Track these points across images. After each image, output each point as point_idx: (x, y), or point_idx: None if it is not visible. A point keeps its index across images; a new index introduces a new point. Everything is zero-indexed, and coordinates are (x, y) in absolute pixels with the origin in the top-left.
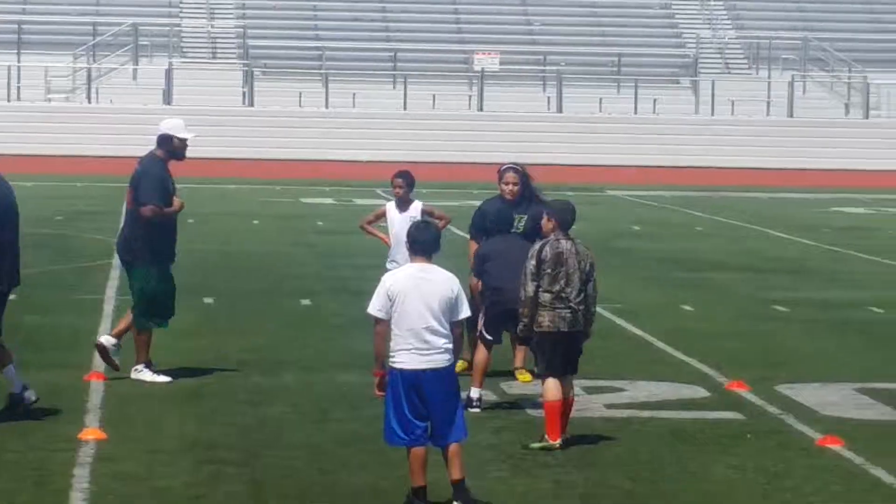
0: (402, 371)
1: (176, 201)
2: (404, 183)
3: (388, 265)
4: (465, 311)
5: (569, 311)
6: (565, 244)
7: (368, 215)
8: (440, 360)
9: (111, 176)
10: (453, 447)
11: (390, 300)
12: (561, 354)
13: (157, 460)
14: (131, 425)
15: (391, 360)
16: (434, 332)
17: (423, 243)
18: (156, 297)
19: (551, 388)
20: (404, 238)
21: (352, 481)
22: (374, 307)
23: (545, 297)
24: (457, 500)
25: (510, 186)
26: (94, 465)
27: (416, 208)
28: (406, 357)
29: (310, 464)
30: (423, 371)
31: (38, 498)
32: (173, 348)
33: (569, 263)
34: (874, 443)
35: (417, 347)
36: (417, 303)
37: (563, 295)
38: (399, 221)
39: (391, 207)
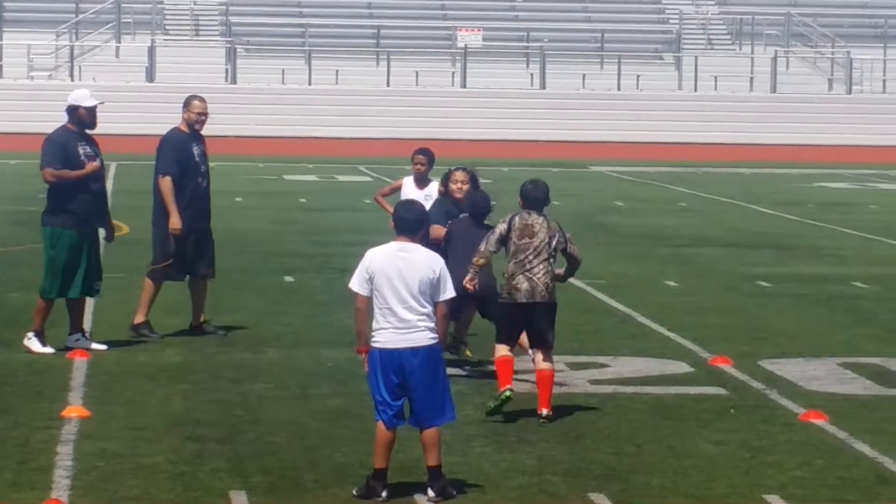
0: (381, 350)
1: (89, 165)
2: (426, 160)
3: None
4: (448, 292)
5: (527, 281)
6: (536, 218)
7: (384, 187)
8: (420, 339)
9: None
10: (430, 432)
11: (369, 276)
12: (518, 326)
13: (140, 437)
14: (115, 403)
15: (372, 338)
16: (412, 311)
17: (407, 222)
18: (63, 265)
19: (500, 349)
20: None
21: (335, 457)
22: (355, 283)
23: (509, 266)
24: (431, 487)
25: (458, 185)
26: (77, 443)
27: (432, 187)
28: (385, 336)
29: (293, 440)
30: (402, 350)
31: (21, 475)
32: (158, 324)
33: (539, 237)
34: (857, 417)
35: (396, 326)
36: (395, 281)
37: (527, 266)
38: (415, 199)
39: (409, 182)
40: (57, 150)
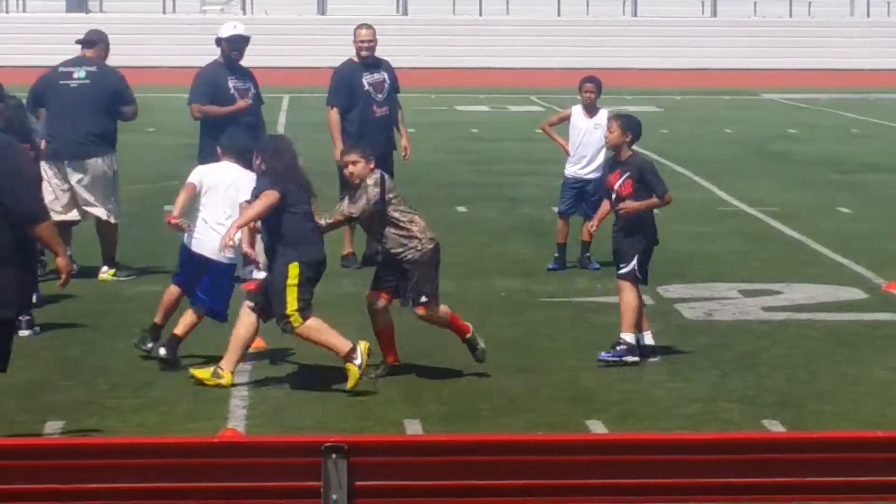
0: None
1: (238, 102)
2: (594, 88)
3: (567, 171)
4: None
5: None
6: None
7: (552, 117)
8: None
9: (269, 87)
10: None
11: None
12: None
13: (316, 367)
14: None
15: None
16: None
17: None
18: None
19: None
20: (589, 144)
21: (510, 386)
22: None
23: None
24: None
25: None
26: (253, 373)
27: (602, 115)
28: None
29: (467, 370)
30: None
31: (198, 406)
32: (331, 255)
33: None
34: None
35: None
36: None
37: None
38: (585, 127)
39: (577, 111)
40: (203, 85)
